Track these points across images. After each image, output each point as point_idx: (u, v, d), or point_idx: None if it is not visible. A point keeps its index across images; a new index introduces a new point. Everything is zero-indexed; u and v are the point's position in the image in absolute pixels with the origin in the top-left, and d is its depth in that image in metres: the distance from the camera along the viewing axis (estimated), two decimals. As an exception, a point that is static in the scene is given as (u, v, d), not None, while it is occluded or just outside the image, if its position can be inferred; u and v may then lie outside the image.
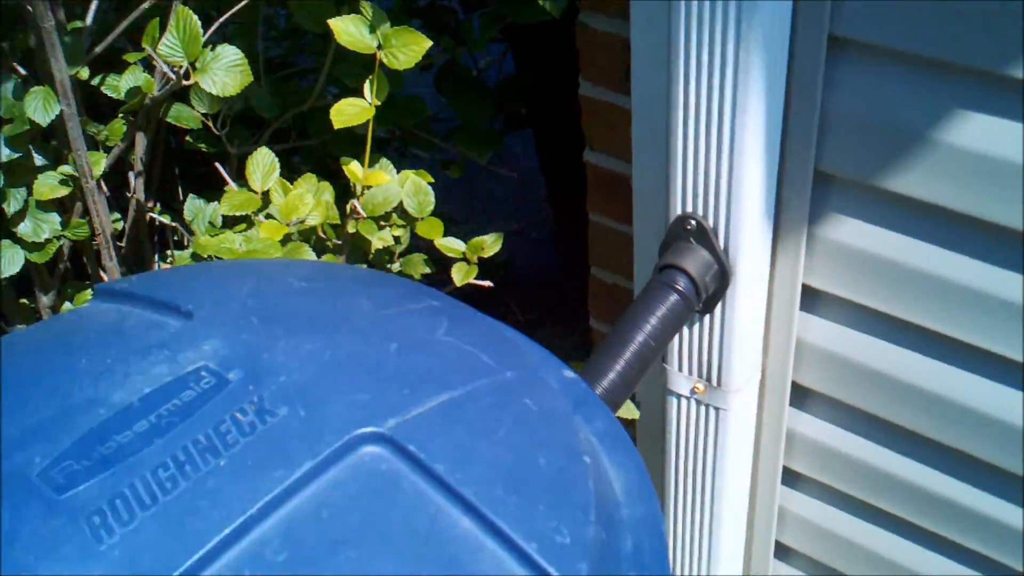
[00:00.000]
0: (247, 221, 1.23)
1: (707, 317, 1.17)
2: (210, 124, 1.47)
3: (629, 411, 1.38)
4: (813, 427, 1.30)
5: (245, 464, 0.74)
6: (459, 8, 1.90)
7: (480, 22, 1.59)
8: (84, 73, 1.44)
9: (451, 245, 1.34)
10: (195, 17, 1.14)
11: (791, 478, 1.37)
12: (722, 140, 1.05)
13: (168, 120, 1.48)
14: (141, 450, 0.75)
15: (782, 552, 1.46)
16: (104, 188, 1.56)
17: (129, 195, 1.64)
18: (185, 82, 1.15)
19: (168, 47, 1.14)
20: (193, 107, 1.44)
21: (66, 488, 0.73)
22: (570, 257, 1.93)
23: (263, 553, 0.70)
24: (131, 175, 1.60)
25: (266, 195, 1.21)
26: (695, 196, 1.09)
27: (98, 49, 1.43)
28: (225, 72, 1.14)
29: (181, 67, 1.14)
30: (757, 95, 1.02)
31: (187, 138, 1.59)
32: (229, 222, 1.30)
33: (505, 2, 1.52)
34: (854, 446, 1.28)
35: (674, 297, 1.09)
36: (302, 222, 1.18)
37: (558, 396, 0.87)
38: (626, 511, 0.84)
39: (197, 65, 1.13)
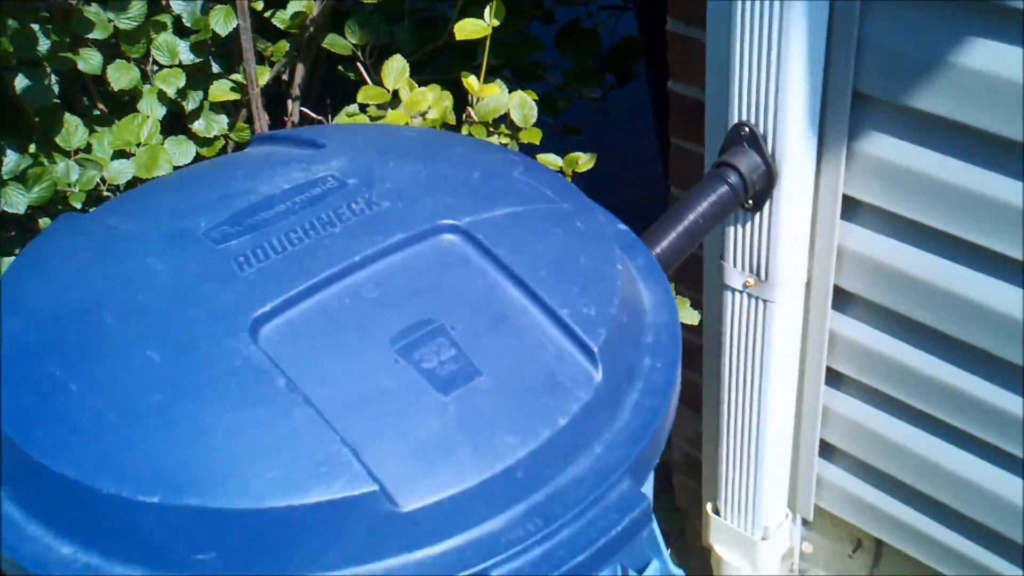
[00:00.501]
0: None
1: (757, 216, 1.36)
2: (359, 55, 1.74)
3: (690, 316, 1.58)
4: (854, 329, 1.47)
5: (353, 232, 0.99)
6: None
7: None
8: (258, 4, 1.72)
9: (549, 159, 1.56)
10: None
11: (834, 379, 1.54)
12: (771, 59, 1.25)
13: (324, 46, 1.75)
14: (277, 222, 1.01)
15: (826, 451, 1.63)
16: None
17: (286, 119, 1.92)
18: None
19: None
20: (347, 38, 1.71)
21: (221, 241, 0.99)
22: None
23: (360, 290, 0.94)
24: (288, 102, 1.88)
25: (396, 93, 1.46)
26: (748, 106, 1.29)
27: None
28: (377, -13, 1.40)
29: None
30: (800, 23, 1.22)
31: (339, 67, 1.86)
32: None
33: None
34: (891, 347, 1.45)
35: (724, 187, 1.29)
36: (423, 115, 1.43)
37: (605, 229, 1.08)
38: (650, 317, 1.05)
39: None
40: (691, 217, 1.26)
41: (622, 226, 1.14)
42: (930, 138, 1.26)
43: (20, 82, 1.52)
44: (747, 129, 1.30)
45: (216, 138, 1.77)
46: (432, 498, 0.82)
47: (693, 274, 1.64)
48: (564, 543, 0.85)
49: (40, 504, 0.88)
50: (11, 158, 1.40)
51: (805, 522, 1.78)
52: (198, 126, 1.76)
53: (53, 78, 1.56)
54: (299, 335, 0.90)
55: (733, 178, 1.29)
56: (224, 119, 1.78)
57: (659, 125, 2.72)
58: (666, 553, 0.97)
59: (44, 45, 1.52)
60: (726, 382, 1.57)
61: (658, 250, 1.24)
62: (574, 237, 1.04)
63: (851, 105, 1.29)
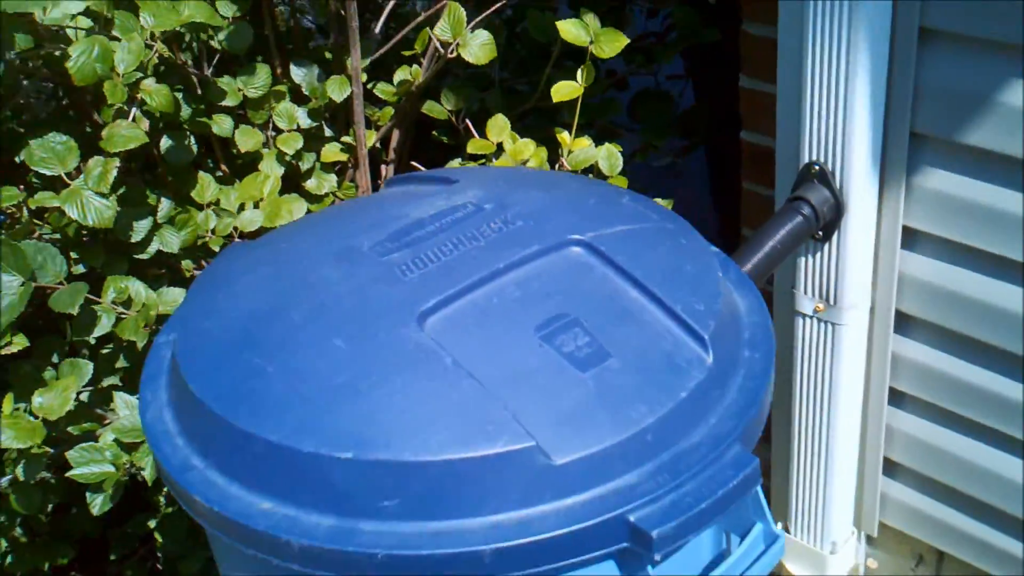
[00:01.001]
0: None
1: (826, 246, 1.53)
2: (453, 119, 1.94)
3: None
4: (915, 350, 1.63)
5: (495, 245, 1.17)
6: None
7: (667, 43, 2.03)
8: (363, 76, 1.93)
9: (634, 203, 1.74)
10: (461, 9, 1.61)
11: (896, 398, 1.69)
12: (838, 104, 1.43)
13: (424, 111, 1.95)
14: (429, 239, 1.19)
15: (889, 468, 1.77)
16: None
17: (380, 181, 2.12)
18: (450, 56, 1.60)
19: (441, 29, 1.60)
20: (442, 104, 1.92)
21: (384, 255, 1.17)
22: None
23: (504, 291, 1.12)
24: (383, 165, 2.08)
25: (500, 146, 1.65)
26: (818, 147, 1.47)
27: (379, 52, 1.92)
28: (479, 48, 1.59)
29: (449, 44, 1.60)
30: (864, 72, 1.40)
31: (434, 132, 2.07)
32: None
33: (684, 26, 1.94)
34: (951, 365, 1.59)
35: (799, 218, 1.46)
36: (524, 164, 1.61)
37: (704, 246, 1.25)
38: (745, 318, 1.22)
39: (460, 42, 1.58)
40: (771, 244, 1.44)
41: (714, 248, 1.32)
42: (982, 170, 1.43)
43: (164, 143, 1.72)
44: (817, 167, 1.47)
45: (326, 195, 1.96)
46: (579, 453, 0.99)
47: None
48: (690, 493, 1.00)
49: (241, 469, 1.05)
50: (164, 205, 1.59)
51: (869, 539, 1.91)
52: (310, 184, 1.96)
53: (192, 139, 1.76)
54: (458, 326, 1.08)
55: (806, 210, 1.47)
56: (333, 178, 1.98)
57: (713, 181, 2.93)
58: (769, 515, 1.12)
59: (186, 111, 1.73)
60: (797, 404, 1.72)
61: (745, 269, 1.41)
62: (679, 250, 1.21)
63: (909, 143, 1.46)
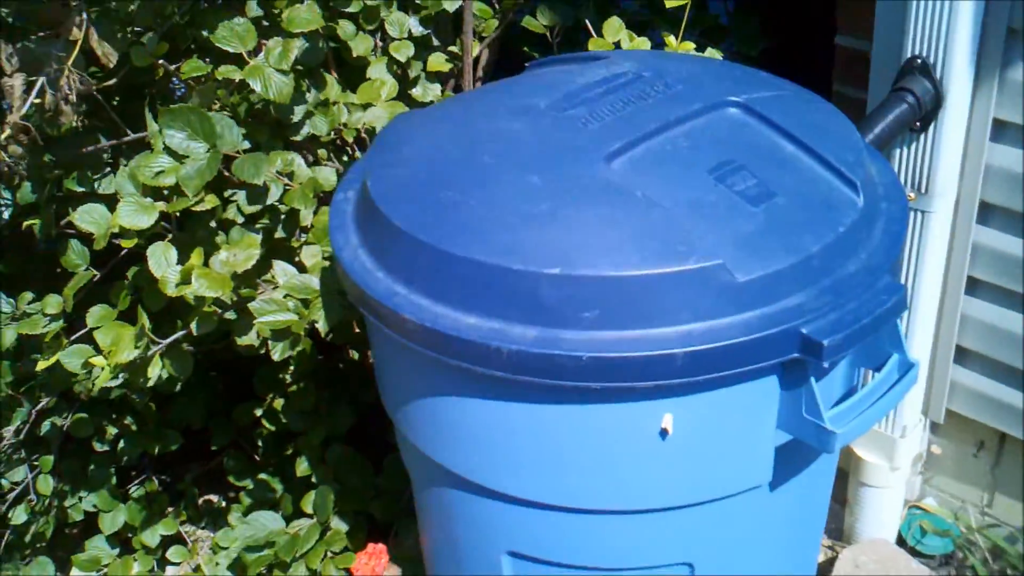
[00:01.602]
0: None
1: (920, 137, 1.66)
2: (548, 35, 2.06)
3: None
4: (994, 238, 1.76)
5: (661, 103, 1.30)
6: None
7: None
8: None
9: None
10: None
11: (971, 286, 1.83)
12: (944, 4, 1.56)
13: (524, 25, 2.07)
14: (601, 98, 1.32)
15: (960, 355, 1.91)
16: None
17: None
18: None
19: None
20: (539, 19, 2.04)
21: (563, 111, 1.30)
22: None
23: (676, 141, 1.25)
24: (472, 81, 2.20)
25: (617, 45, 1.77)
26: (922, 41, 1.60)
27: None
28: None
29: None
30: (969, -30, 1.53)
31: (525, 48, 2.19)
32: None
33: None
34: (1027, 253, 1.73)
35: (904, 106, 1.60)
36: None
37: (843, 116, 1.38)
38: (878, 178, 1.35)
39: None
40: (880, 127, 1.57)
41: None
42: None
43: (300, 43, 1.83)
44: (920, 60, 1.60)
45: (429, 103, 2.08)
46: (758, 273, 1.12)
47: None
48: (851, 311, 1.14)
49: (447, 289, 1.18)
50: (311, 95, 1.71)
51: (934, 426, 2.05)
52: (416, 92, 2.07)
53: (323, 43, 1.87)
54: (640, 168, 1.21)
55: (910, 99, 1.60)
56: (438, 87, 2.09)
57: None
58: (905, 347, 1.26)
59: (318, 15, 1.84)
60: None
61: (854, 152, 1.55)
62: (820, 112, 1.35)
63: (1005, 38, 1.60)
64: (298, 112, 1.60)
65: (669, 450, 1.19)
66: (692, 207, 1.16)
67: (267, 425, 2.09)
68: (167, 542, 2.21)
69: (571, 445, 1.20)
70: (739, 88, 1.34)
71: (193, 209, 1.39)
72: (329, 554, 1.91)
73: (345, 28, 1.91)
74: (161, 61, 1.43)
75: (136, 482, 2.28)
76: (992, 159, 1.71)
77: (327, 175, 1.59)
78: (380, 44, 2.04)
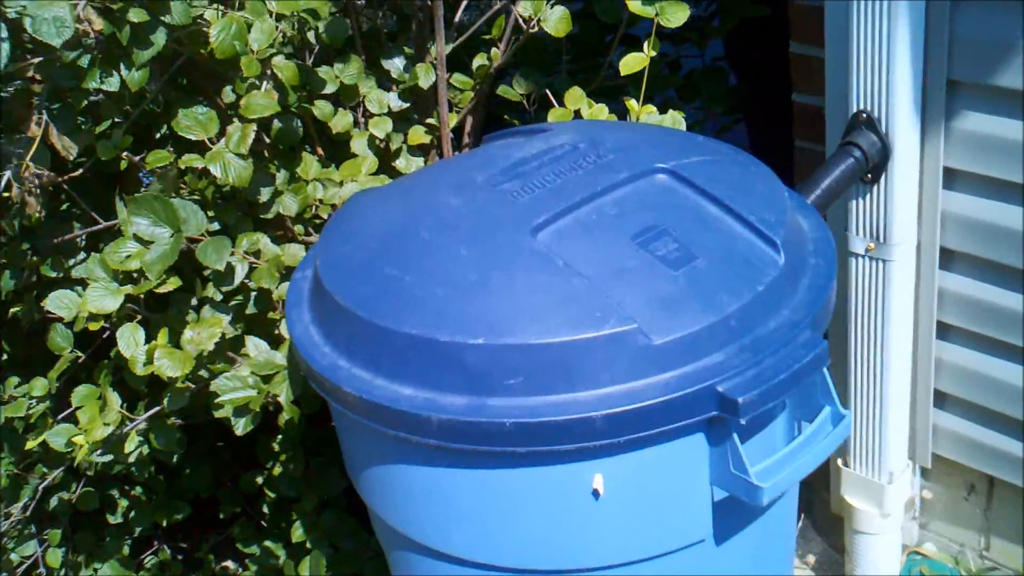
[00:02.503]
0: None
1: (875, 188, 1.70)
2: (524, 102, 2.13)
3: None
4: (960, 283, 1.78)
5: (592, 173, 1.36)
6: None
7: (720, 20, 2.22)
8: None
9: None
10: (541, -10, 1.81)
11: (944, 331, 1.85)
12: (882, 58, 1.60)
13: (499, 93, 2.15)
14: (535, 171, 1.38)
15: (940, 399, 1.92)
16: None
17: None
18: (531, 30, 1.80)
19: (523, 7, 1.79)
20: (515, 89, 2.11)
21: (497, 185, 1.36)
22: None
23: (603, 209, 1.31)
24: (459, 151, 2.28)
25: (577, 113, 1.84)
26: (866, 97, 1.64)
27: (461, 39, 2.12)
28: (556, 21, 1.78)
29: (531, 20, 1.79)
30: (904, 27, 1.57)
31: (505, 116, 2.26)
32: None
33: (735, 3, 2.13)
34: (994, 295, 1.75)
35: (850, 160, 1.64)
36: (600, 126, 1.80)
37: (770, 172, 1.43)
38: (809, 234, 1.39)
39: (541, 17, 1.78)
40: (826, 182, 1.61)
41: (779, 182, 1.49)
42: (1014, 109, 1.59)
43: (275, 124, 1.91)
44: (865, 115, 1.65)
45: (412, 175, 2.15)
46: (675, 335, 1.17)
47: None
48: (769, 368, 1.18)
49: (384, 362, 1.24)
50: (281, 175, 1.79)
51: (924, 471, 2.06)
52: (399, 164, 2.14)
53: (298, 122, 1.96)
54: (565, 237, 1.27)
55: (857, 153, 1.64)
56: (420, 159, 2.17)
57: (754, 149, 3.11)
58: (836, 399, 1.29)
59: (292, 97, 1.93)
60: (852, 341, 1.88)
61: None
62: (750, 174, 1.40)
63: (946, 89, 1.63)
64: (265, 193, 1.68)
65: (604, 510, 1.23)
66: (613, 273, 1.21)
67: (268, 492, 2.15)
68: (179, 610, 2.27)
69: (509, 508, 1.25)
70: (671, 154, 1.39)
71: (157, 291, 1.47)
72: (326, 617, 1.96)
73: (323, 108, 1.99)
74: (126, 153, 1.52)
75: (150, 552, 2.35)
76: (948, 206, 1.73)
77: (294, 252, 1.67)
78: (363, 120, 2.13)
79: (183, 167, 1.53)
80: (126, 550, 2.25)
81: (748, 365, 1.18)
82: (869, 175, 1.68)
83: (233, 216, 1.67)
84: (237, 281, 1.60)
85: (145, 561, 2.33)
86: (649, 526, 1.27)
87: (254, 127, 1.58)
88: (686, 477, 1.24)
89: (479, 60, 2.07)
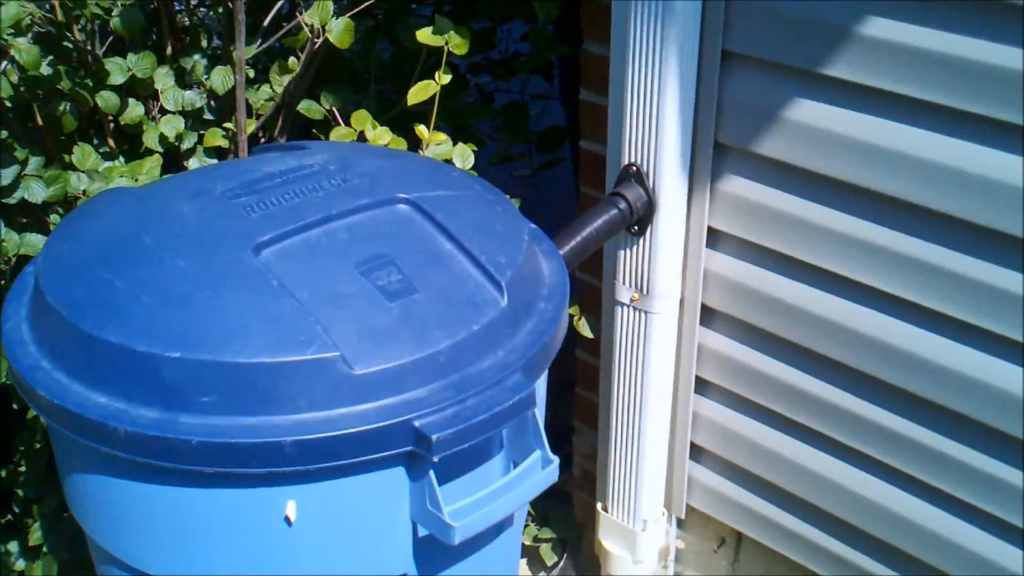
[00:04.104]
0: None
1: (640, 240, 1.73)
2: (330, 118, 2.11)
3: (586, 330, 1.93)
4: (717, 341, 1.83)
5: (332, 196, 1.34)
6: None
7: (526, 59, 2.24)
8: (250, 72, 2.08)
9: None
10: (329, 2, 1.79)
11: (702, 386, 1.89)
12: (652, 113, 1.63)
13: (299, 111, 2.12)
14: (276, 188, 1.36)
15: (696, 453, 1.96)
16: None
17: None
18: (316, 39, 1.78)
19: (310, 16, 1.78)
20: (321, 104, 2.09)
21: (234, 198, 1.33)
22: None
23: (335, 233, 1.29)
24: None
25: (361, 134, 1.82)
26: (635, 150, 1.67)
27: (264, 46, 2.09)
28: (340, 32, 1.76)
29: (316, 28, 1.78)
30: (673, 86, 1.61)
31: (313, 130, 2.23)
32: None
33: (538, 42, 2.15)
34: (748, 356, 1.79)
35: (615, 210, 1.66)
36: (383, 149, 1.79)
37: (518, 215, 1.43)
38: (547, 280, 1.40)
39: (326, 27, 1.76)
40: (587, 230, 1.63)
41: (530, 223, 1.50)
42: (775, 178, 1.63)
43: (43, 109, 1.85)
44: (634, 168, 1.67)
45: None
46: (377, 367, 1.16)
47: (595, 303, 1.99)
48: (470, 407, 1.18)
49: (84, 368, 1.19)
50: (33, 161, 1.74)
51: (679, 521, 2.09)
52: (192, 163, 2.10)
53: (69, 107, 1.90)
54: (289, 257, 1.25)
55: (622, 204, 1.66)
56: (215, 161, 2.12)
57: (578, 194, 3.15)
58: (546, 444, 1.29)
59: (66, 83, 1.86)
60: (614, 387, 1.90)
61: (562, 251, 1.60)
62: (493, 215, 1.40)
63: (713, 152, 1.67)
64: (6, 176, 1.63)
65: (298, 537, 1.20)
66: (328, 299, 1.20)
67: (17, 491, 2.07)
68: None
69: (201, 527, 1.21)
70: (417, 185, 1.38)
71: None
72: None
73: (108, 99, 1.93)
74: None
75: None
76: (711, 265, 1.77)
77: (34, 242, 1.61)
78: (158, 115, 2.08)
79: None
80: None
81: (450, 403, 1.17)
82: (635, 227, 1.71)
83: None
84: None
85: None
86: (346, 556, 1.25)
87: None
88: (385, 510, 1.22)
89: (278, 65, 2.05)
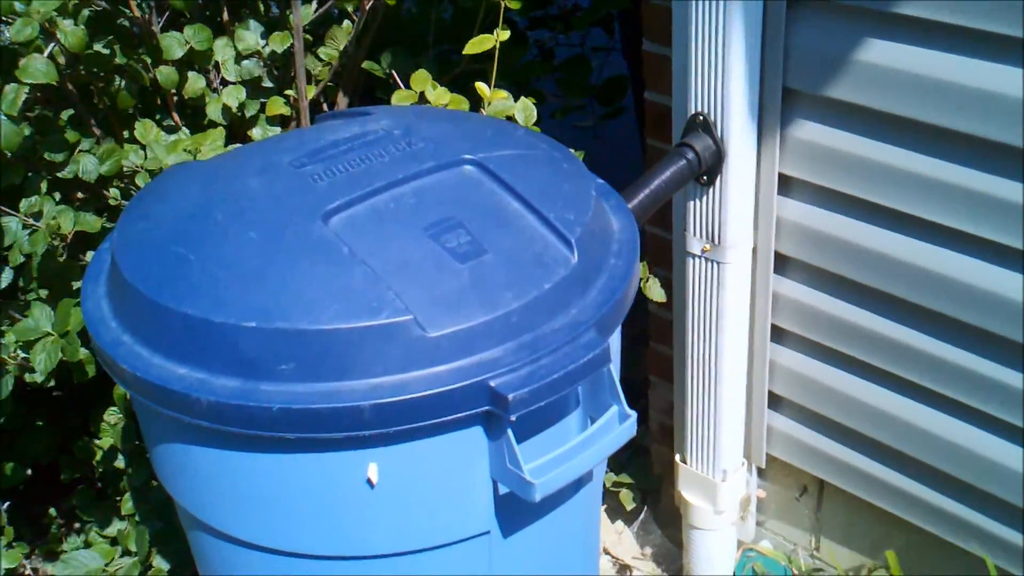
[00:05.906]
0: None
1: (710, 190, 1.70)
2: (390, 80, 2.11)
3: (659, 294, 1.92)
4: (793, 289, 1.80)
5: (397, 161, 1.34)
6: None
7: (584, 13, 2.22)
8: (308, 38, 2.09)
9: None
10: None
11: (778, 335, 1.87)
12: (718, 62, 1.60)
13: (364, 67, 2.12)
14: (342, 156, 1.36)
15: (774, 402, 1.94)
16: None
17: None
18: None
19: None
20: (381, 64, 2.09)
21: (300, 168, 1.34)
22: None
23: (402, 198, 1.29)
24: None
25: (422, 95, 1.82)
26: (702, 99, 1.65)
27: (322, 9, 2.09)
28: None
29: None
30: (738, 33, 1.58)
31: (377, 94, 2.24)
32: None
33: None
34: (824, 303, 1.77)
35: (683, 161, 1.64)
36: (446, 109, 1.79)
37: (585, 172, 1.42)
38: (617, 235, 1.39)
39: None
40: (656, 183, 1.61)
41: (599, 180, 1.49)
42: (846, 122, 1.60)
43: (101, 89, 1.88)
44: (701, 117, 1.65)
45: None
46: (450, 329, 1.16)
47: (665, 256, 1.98)
48: (544, 366, 1.18)
49: (163, 341, 1.22)
50: (86, 141, 1.77)
51: (759, 471, 2.08)
52: (255, 133, 2.11)
53: (123, 84, 1.92)
54: (357, 224, 1.25)
55: (690, 155, 1.64)
56: (278, 129, 2.14)
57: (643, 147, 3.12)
58: (622, 399, 1.29)
59: (121, 59, 1.89)
60: (688, 340, 1.89)
61: (631, 205, 1.59)
62: (561, 173, 1.39)
63: (782, 98, 1.64)
64: (56, 154, 1.66)
65: (379, 498, 1.22)
66: (399, 264, 1.20)
67: (106, 463, 2.12)
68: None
69: (285, 492, 1.24)
70: (481, 146, 1.38)
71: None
72: (149, 592, 1.94)
73: (168, 75, 1.95)
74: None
75: (-12, 515, 2.31)
76: (782, 212, 1.75)
77: (90, 221, 1.64)
78: (220, 87, 2.09)
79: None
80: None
81: (524, 363, 1.17)
82: (704, 177, 1.69)
83: (20, 175, 1.64)
84: (8, 241, 1.57)
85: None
86: (428, 516, 1.26)
87: (26, 89, 1.55)
88: (464, 470, 1.23)
89: (335, 30, 2.05)
